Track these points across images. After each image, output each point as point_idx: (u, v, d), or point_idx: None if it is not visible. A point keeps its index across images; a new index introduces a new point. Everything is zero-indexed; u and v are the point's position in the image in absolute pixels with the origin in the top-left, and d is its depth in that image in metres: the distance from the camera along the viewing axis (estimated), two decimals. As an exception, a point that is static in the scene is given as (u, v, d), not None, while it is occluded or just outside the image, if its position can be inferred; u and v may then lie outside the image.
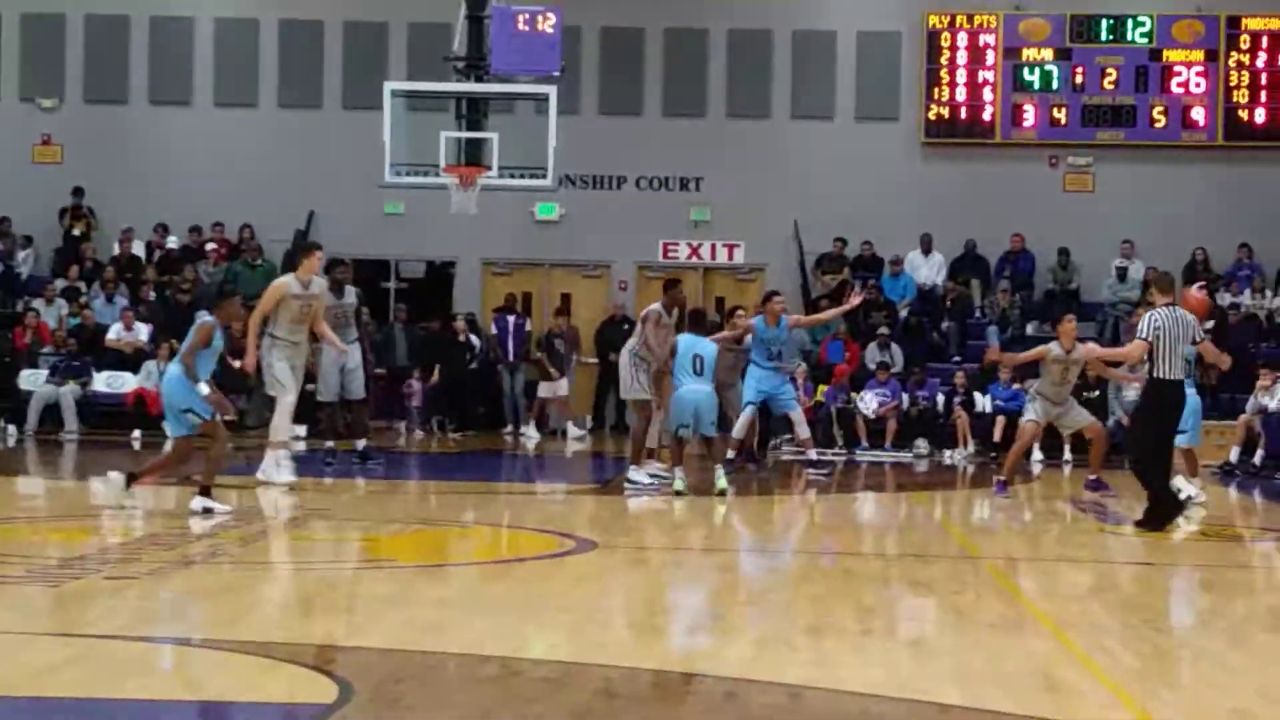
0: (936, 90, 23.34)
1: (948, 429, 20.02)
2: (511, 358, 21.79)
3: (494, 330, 22.02)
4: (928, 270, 23.23)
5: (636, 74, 23.75)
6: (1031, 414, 14.26)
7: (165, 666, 6.34)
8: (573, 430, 21.36)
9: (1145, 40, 23.19)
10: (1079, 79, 23.15)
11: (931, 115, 23.36)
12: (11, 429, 19.98)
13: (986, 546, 11.06)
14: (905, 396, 20.37)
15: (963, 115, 23.38)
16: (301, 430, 17.57)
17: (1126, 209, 23.05)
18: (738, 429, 15.52)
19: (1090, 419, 14.62)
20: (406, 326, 22.82)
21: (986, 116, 23.32)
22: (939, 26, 23.41)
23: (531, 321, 22.51)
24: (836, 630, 7.09)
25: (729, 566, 9.85)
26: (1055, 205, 23.32)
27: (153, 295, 22.35)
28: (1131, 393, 16.71)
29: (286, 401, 13.06)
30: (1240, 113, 23.13)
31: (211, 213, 23.43)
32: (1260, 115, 23.10)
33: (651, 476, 13.78)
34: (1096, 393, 18.93)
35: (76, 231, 23.55)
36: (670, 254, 23.61)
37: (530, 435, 21.03)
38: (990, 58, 23.30)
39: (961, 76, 23.32)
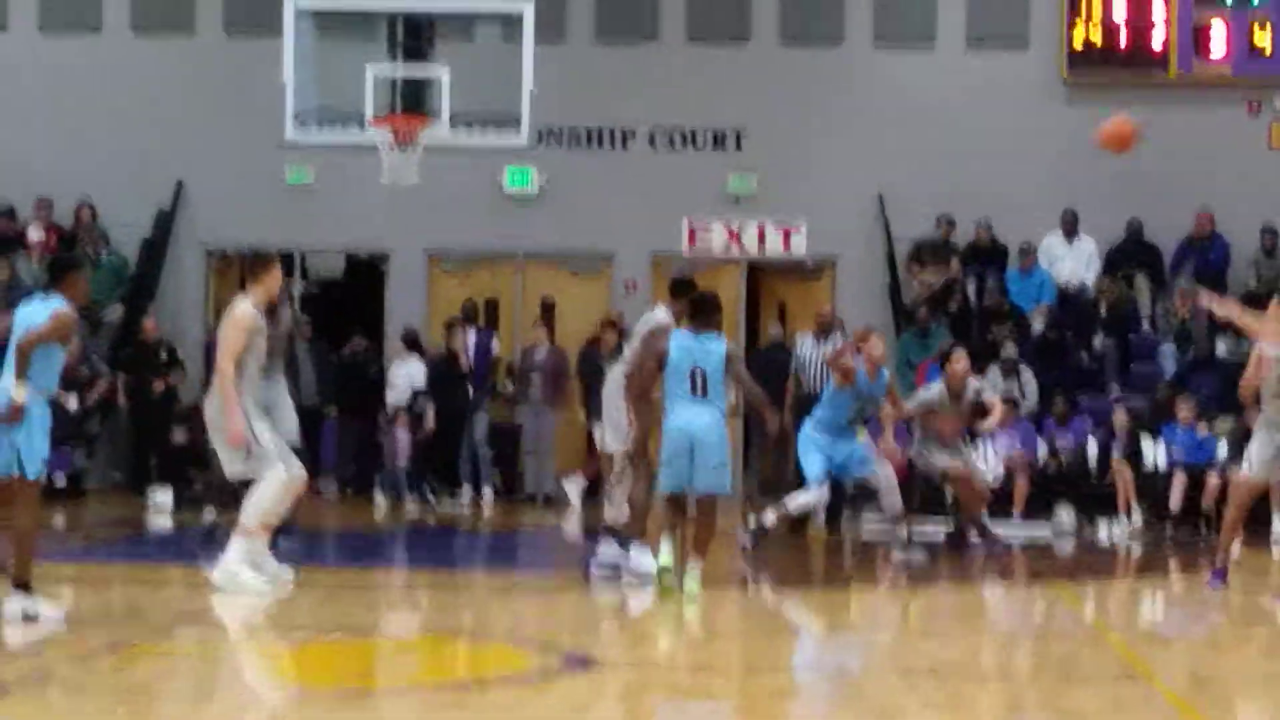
0: (1085, 5, 23.41)
1: (1102, 490, 20.05)
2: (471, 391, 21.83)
3: (470, 351, 21.91)
4: (1073, 263, 23.25)
5: (649, -18, 23.92)
6: (1255, 458, 13.78)
7: None
8: (571, 489, 21.18)
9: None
10: (1291, -13, 23.26)
11: (1078, 41, 23.41)
12: None
13: (1161, 662, 11.08)
14: (1041, 444, 20.36)
15: (1123, 41, 23.42)
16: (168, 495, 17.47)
17: (1361, 173, 23.19)
18: (796, 505, 15.82)
19: None
20: (314, 347, 22.57)
21: (1157, 44, 23.36)
22: (1088, -89, 23.55)
23: (499, 339, 22.57)
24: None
25: (785, 692, 9.85)
26: (1258, 168, 23.34)
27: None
28: None
29: (276, 473, 12.94)
30: None
31: (35, 185, 23.45)
32: None
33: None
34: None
35: None
36: (699, 241, 23.69)
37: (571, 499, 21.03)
38: (1163, -43, 23.42)
39: (1121, -16, 23.45)
